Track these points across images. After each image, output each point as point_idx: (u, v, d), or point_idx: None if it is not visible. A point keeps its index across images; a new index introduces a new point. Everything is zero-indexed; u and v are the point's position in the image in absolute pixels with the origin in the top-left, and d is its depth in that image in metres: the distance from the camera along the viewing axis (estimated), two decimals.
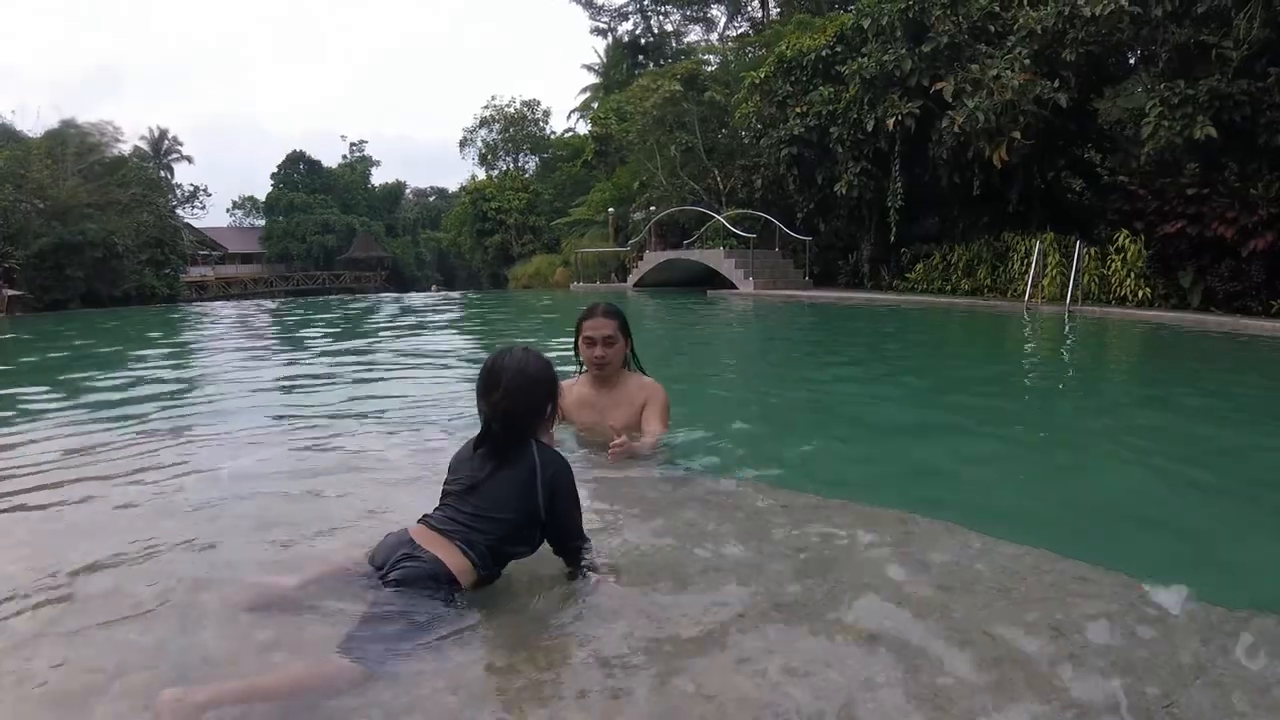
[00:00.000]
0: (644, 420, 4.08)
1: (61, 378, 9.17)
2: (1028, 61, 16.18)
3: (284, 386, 8.04)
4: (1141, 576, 2.67)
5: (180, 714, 1.81)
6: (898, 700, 1.93)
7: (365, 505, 3.42)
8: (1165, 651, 2.18)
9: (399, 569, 2.35)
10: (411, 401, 6.32)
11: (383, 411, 6.00)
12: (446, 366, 9.09)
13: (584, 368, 4.18)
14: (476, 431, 2.62)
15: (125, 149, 42.79)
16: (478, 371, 2.66)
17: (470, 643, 2.21)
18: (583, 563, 2.61)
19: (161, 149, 65.15)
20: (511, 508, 2.48)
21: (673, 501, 3.41)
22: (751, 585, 2.59)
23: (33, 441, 5.06)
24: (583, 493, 2.73)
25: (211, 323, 19.95)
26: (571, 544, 2.63)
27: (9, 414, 6.49)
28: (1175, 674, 2.08)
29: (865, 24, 20.02)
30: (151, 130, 64.49)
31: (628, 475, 3.70)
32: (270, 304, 30.08)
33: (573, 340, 4.20)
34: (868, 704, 1.92)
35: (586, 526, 2.71)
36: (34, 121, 50.80)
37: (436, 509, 2.57)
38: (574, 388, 4.19)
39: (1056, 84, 15.99)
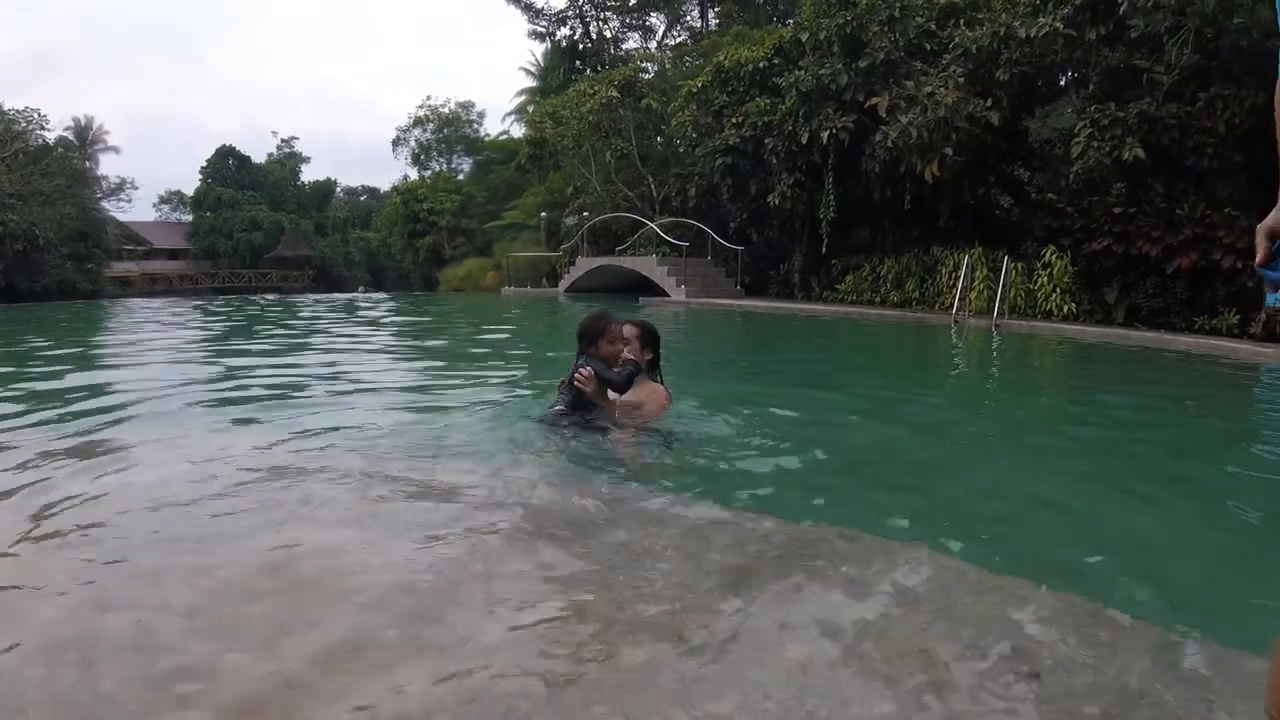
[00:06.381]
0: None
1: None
2: (961, 79, 16.31)
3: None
4: (1084, 594, 2.63)
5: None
6: None
7: None
8: (1109, 672, 2.13)
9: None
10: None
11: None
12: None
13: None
14: None
15: (50, 137, 40.69)
16: None
17: None
18: None
19: (87, 138, 61.65)
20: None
21: (608, 519, 3.35)
22: (679, 604, 2.52)
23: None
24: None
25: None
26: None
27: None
28: (1118, 696, 2.02)
29: (803, 38, 20.08)
30: (78, 119, 60.98)
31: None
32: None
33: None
34: None
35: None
36: None
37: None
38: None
39: (989, 102, 16.14)
